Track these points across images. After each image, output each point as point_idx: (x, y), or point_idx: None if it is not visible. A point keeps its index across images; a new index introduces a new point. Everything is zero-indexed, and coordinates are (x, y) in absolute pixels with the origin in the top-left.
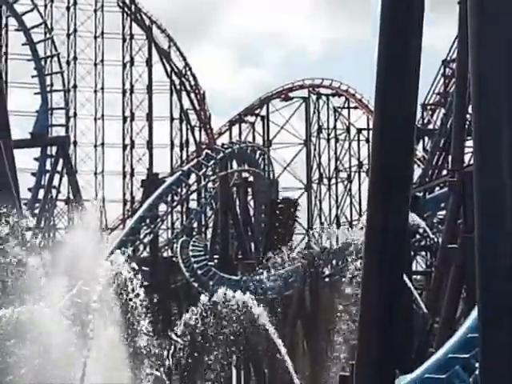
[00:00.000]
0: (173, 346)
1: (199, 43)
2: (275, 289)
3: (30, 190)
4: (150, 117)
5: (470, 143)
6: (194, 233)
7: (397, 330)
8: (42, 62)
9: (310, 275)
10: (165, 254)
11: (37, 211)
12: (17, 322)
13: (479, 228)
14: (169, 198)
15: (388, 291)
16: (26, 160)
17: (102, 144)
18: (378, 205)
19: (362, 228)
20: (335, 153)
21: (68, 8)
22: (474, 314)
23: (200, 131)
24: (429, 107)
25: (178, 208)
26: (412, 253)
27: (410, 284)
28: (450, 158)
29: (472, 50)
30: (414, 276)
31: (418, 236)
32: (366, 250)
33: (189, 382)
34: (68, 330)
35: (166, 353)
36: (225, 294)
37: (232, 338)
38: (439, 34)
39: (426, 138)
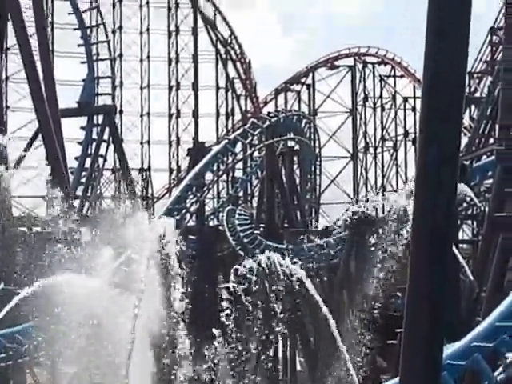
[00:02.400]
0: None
1: (242, 11)
2: (321, 257)
3: (76, 158)
4: (195, 86)
5: None
6: (240, 201)
7: (445, 300)
8: (88, 31)
9: (355, 244)
10: (211, 223)
11: (84, 180)
12: (65, 289)
13: None
14: (215, 167)
15: (437, 265)
16: (72, 129)
17: (148, 113)
18: (426, 177)
19: (409, 196)
20: (381, 122)
21: None
22: None
23: (246, 100)
24: (476, 75)
25: (224, 177)
26: (459, 221)
27: (457, 252)
28: (496, 126)
29: None
30: (461, 245)
31: (464, 204)
32: (415, 226)
33: (233, 348)
34: (116, 298)
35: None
36: (270, 259)
37: (279, 306)
38: (486, 0)
39: (473, 107)
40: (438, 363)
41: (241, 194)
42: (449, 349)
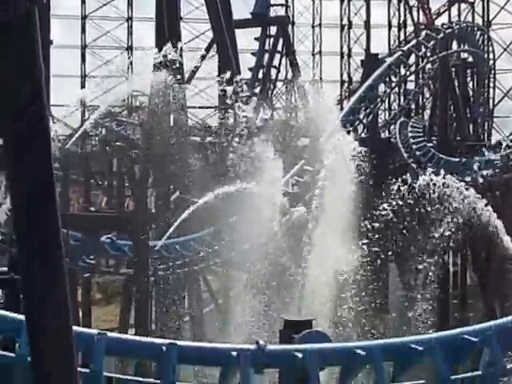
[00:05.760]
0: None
1: None
2: (495, 172)
3: (250, 69)
4: None
5: None
6: (412, 114)
7: None
8: None
9: None
10: (382, 135)
11: (257, 90)
12: (240, 199)
13: None
14: (388, 79)
15: None
16: (246, 40)
17: (320, 24)
18: None
19: None
20: None
21: None
22: None
23: (418, 11)
24: None
25: (395, 89)
26: None
27: None
28: None
29: None
30: None
31: None
32: None
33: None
34: (288, 208)
35: None
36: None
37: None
38: None
39: None
40: None
41: (412, 106)
42: None
